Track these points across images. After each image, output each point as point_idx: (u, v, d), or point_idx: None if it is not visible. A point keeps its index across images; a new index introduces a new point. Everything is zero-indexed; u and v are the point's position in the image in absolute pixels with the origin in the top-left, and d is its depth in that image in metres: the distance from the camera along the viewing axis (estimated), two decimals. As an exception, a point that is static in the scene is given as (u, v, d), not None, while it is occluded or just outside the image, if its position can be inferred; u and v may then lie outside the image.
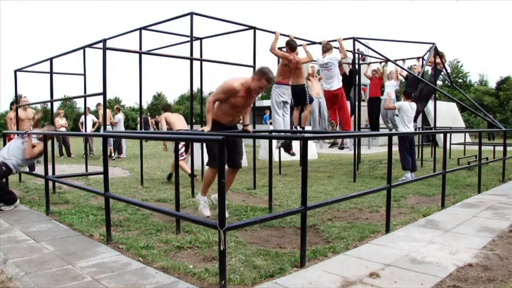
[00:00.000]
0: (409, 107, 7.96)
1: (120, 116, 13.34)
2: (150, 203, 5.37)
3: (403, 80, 10.38)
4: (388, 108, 8.88)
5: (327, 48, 7.72)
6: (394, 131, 9.34)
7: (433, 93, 9.71)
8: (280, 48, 7.45)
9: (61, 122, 13.21)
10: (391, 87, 9.80)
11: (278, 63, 7.68)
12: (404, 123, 7.96)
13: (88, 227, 4.37)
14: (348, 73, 9.02)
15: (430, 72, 9.81)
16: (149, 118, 23.93)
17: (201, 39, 7.95)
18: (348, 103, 8.45)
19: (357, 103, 8.69)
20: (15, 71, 7.91)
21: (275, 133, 6.31)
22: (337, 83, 7.68)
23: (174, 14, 6.51)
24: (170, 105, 10.16)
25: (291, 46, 7.06)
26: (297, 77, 7.60)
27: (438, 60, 9.60)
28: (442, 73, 10.50)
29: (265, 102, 26.15)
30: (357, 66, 9.42)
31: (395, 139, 8.25)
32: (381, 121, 10.41)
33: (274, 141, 7.51)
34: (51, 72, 6.91)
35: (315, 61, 7.99)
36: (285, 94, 7.21)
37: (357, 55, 8.84)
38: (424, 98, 9.76)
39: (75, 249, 3.64)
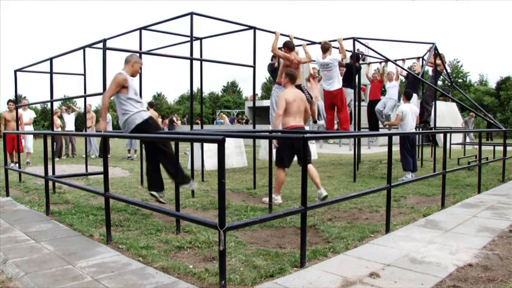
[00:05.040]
0: (409, 111, 7.90)
1: (109, 116, 13.43)
2: (150, 203, 5.34)
3: (404, 79, 10.38)
4: (397, 122, 8.47)
5: (326, 47, 7.69)
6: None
7: (435, 94, 9.73)
8: (279, 49, 7.44)
9: (58, 121, 13.23)
10: (393, 88, 9.77)
11: (278, 64, 7.67)
12: (406, 127, 7.91)
13: (88, 227, 4.37)
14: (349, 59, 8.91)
15: (431, 74, 9.82)
16: (174, 118, 24.79)
17: (201, 39, 7.95)
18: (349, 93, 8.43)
19: (356, 103, 8.69)
20: (15, 71, 7.91)
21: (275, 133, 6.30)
22: (337, 84, 7.66)
23: (174, 14, 6.52)
24: (152, 103, 13.06)
25: (289, 46, 7.06)
26: None
27: (438, 61, 9.59)
28: (442, 73, 10.51)
29: (265, 103, 26.09)
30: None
31: (395, 139, 8.23)
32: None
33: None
34: (51, 72, 6.91)
35: (314, 61, 7.98)
36: None
37: (357, 55, 8.81)
38: (430, 101, 9.77)
39: (75, 249, 3.64)
